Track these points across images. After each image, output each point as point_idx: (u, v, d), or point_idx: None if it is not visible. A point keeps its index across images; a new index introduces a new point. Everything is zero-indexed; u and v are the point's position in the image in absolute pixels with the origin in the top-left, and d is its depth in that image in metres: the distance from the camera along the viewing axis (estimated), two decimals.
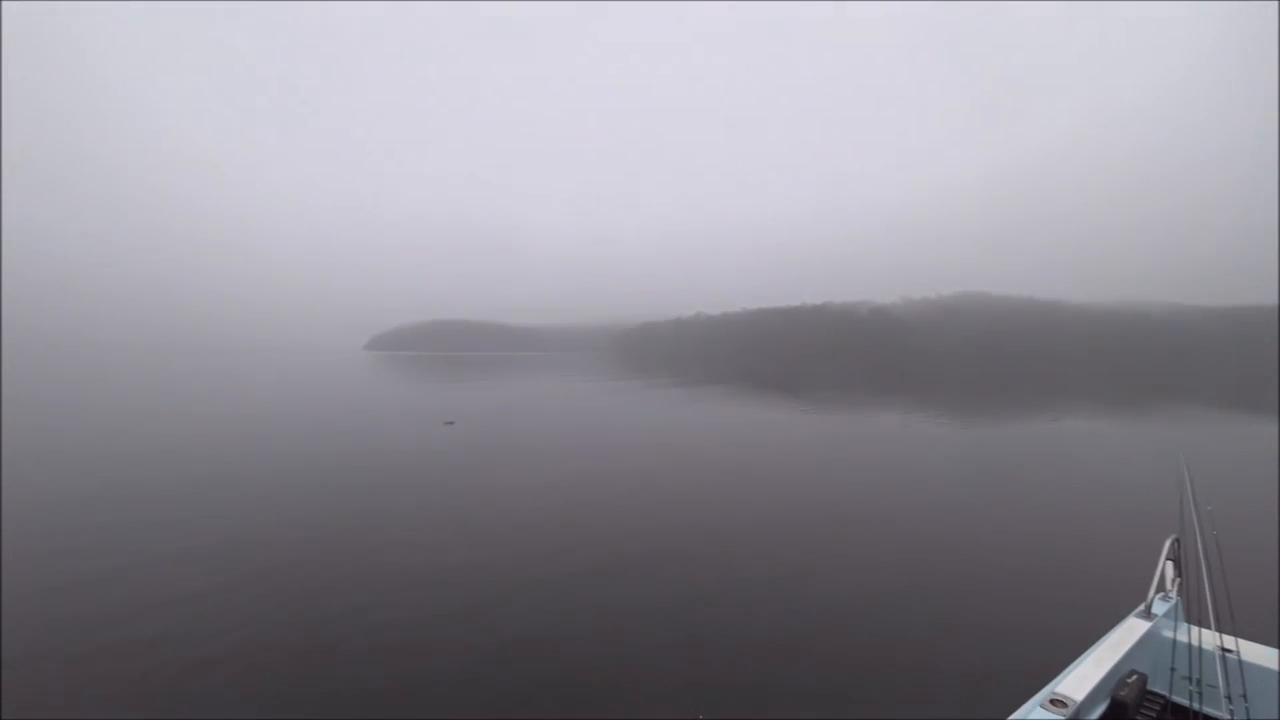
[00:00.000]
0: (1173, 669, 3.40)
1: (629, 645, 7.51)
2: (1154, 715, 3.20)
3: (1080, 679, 2.97)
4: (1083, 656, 3.25)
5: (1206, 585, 3.55)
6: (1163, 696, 3.39)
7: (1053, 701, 2.68)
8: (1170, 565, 4.12)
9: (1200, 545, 3.91)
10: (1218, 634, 3.33)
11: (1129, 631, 3.52)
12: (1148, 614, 3.75)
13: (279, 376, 72.57)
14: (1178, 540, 4.14)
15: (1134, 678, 3.19)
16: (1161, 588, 3.97)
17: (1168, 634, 3.59)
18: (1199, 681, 3.23)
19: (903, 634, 7.87)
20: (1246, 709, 2.91)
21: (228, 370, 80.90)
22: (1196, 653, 3.37)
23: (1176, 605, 3.86)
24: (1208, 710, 3.13)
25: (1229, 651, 3.22)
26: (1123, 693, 3.09)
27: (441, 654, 7.24)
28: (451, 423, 29.00)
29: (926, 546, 11.46)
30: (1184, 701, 3.25)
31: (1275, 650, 3.28)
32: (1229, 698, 2.92)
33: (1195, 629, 3.58)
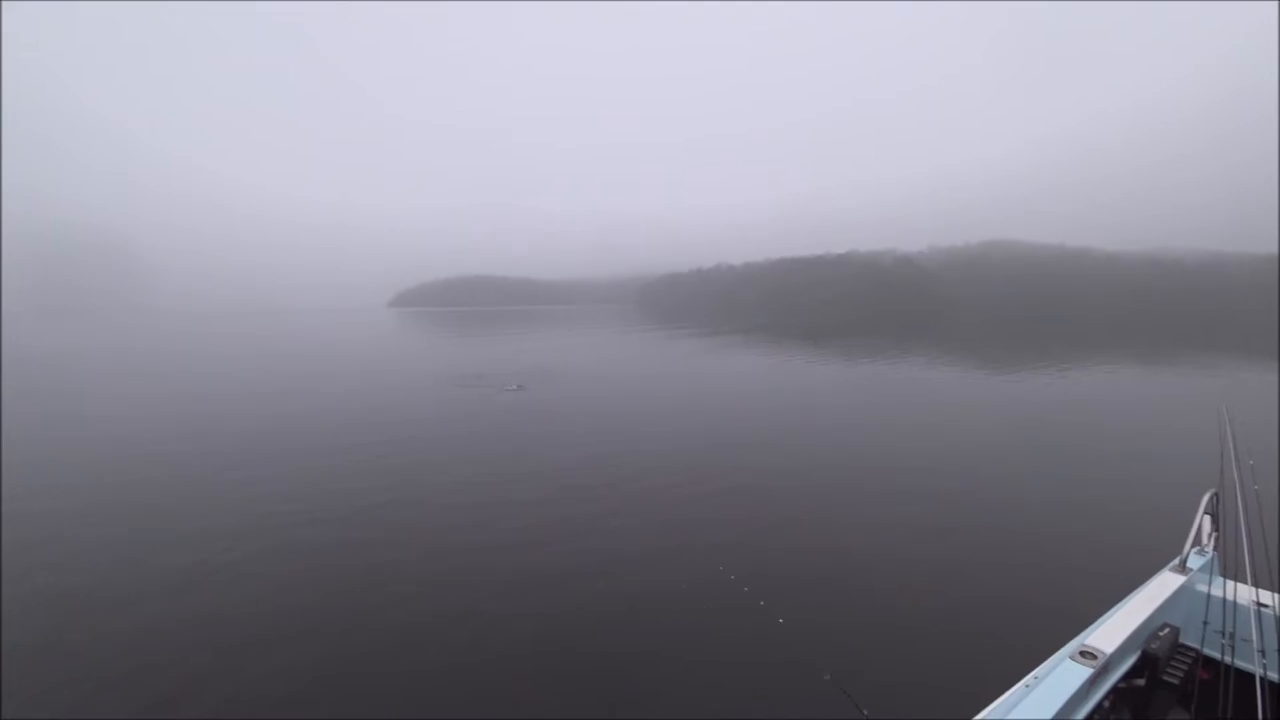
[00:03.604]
0: (1205, 623, 3.37)
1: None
2: (1185, 668, 3.19)
3: (1111, 631, 2.96)
4: (1115, 609, 3.24)
5: (1245, 539, 3.49)
6: (1195, 650, 3.38)
7: (1082, 653, 2.68)
8: (1208, 519, 4.05)
9: (1240, 499, 3.84)
10: (1254, 588, 3.29)
11: (1163, 585, 3.50)
12: (1182, 568, 3.72)
13: (309, 338, 73.45)
14: (1216, 495, 4.06)
15: (1166, 630, 3.18)
16: (1198, 542, 3.92)
17: (1202, 588, 3.56)
18: (1232, 635, 3.21)
19: (935, 582, 7.95)
20: None
21: (251, 333, 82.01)
22: (1231, 607, 3.33)
23: (1212, 559, 3.81)
24: (1240, 664, 3.11)
25: (1264, 606, 3.19)
26: (1154, 645, 3.08)
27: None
28: (520, 388, 26.23)
29: (961, 498, 11.47)
30: (1216, 655, 3.23)
31: None
32: (1262, 651, 2.90)
33: (1231, 583, 3.54)
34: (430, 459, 14.57)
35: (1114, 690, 2.80)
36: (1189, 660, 3.28)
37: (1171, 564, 3.80)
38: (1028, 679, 2.28)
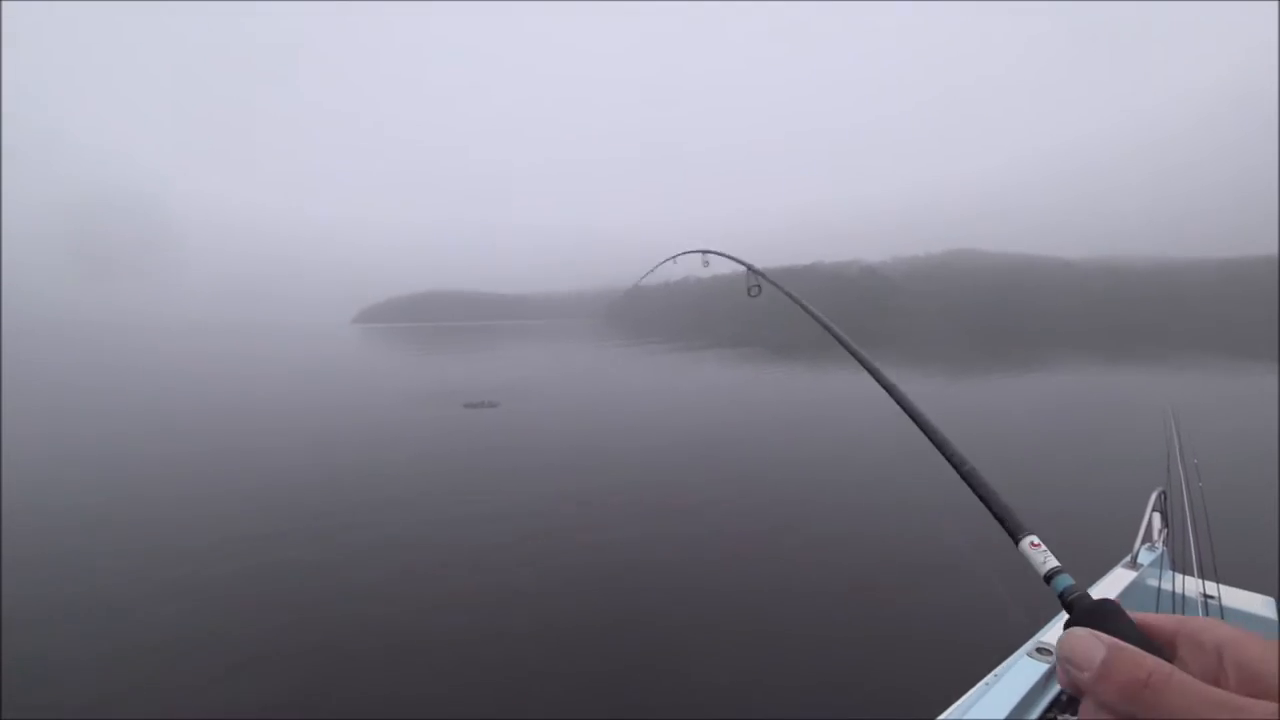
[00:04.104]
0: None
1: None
2: None
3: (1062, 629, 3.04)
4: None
5: (1191, 533, 3.63)
6: None
7: (1039, 650, 2.75)
8: (1158, 517, 4.20)
9: (1186, 495, 4.00)
10: (1200, 580, 3.42)
11: (1115, 581, 3.62)
12: (1134, 564, 3.85)
13: (271, 356, 72.03)
14: (1164, 492, 4.22)
15: None
16: (1149, 539, 4.06)
17: (1152, 582, 3.69)
18: None
19: (896, 589, 8.07)
20: None
21: (209, 352, 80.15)
22: (1179, 599, 3.45)
23: (1162, 554, 3.95)
24: None
25: (1211, 598, 3.31)
26: None
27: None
28: (491, 404, 25.75)
29: (915, 504, 11.66)
30: None
31: (1255, 595, 3.39)
32: None
33: (1180, 576, 3.67)
34: (398, 477, 14.34)
35: None
36: None
37: (1124, 560, 3.93)
38: (988, 678, 2.34)
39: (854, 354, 0.89)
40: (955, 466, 0.74)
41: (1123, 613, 0.51)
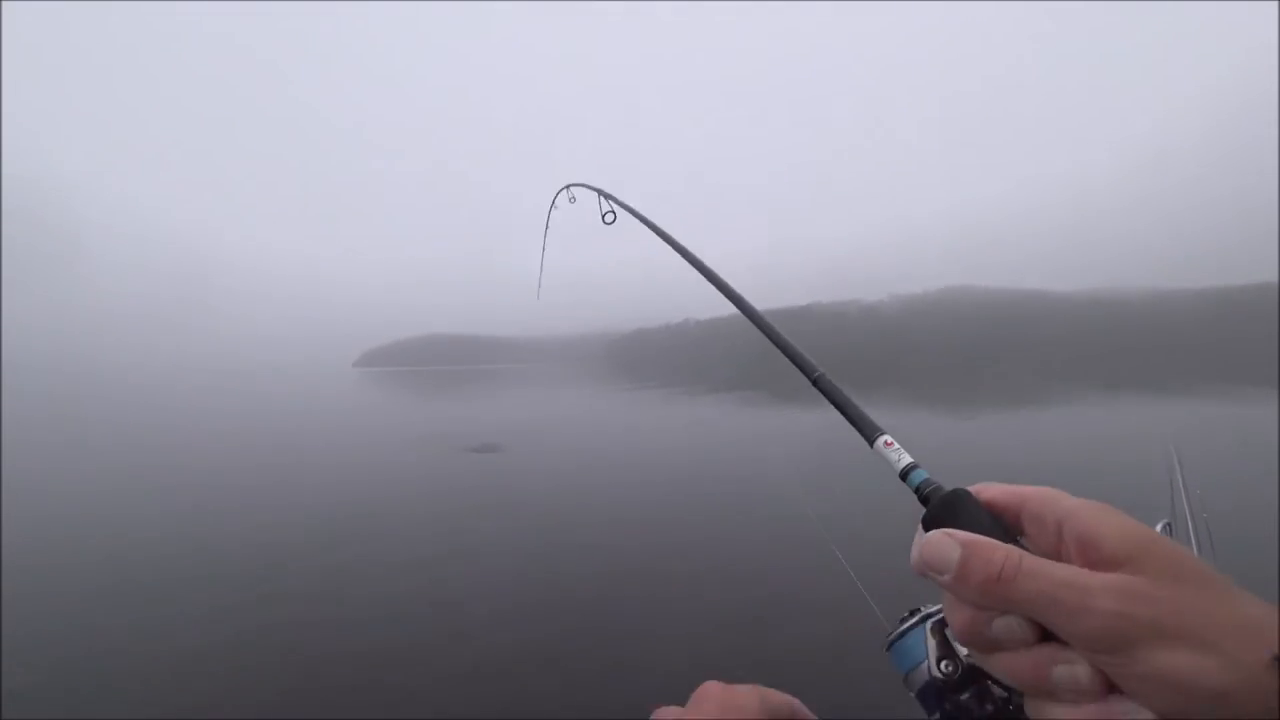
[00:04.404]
0: None
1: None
2: None
3: None
4: None
5: None
6: None
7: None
8: None
9: (1191, 529, 3.88)
10: None
11: None
12: None
13: (276, 403, 71.87)
14: (1169, 525, 4.08)
15: None
16: None
17: None
18: None
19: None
20: None
21: (210, 392, 79.94)
22: None
23: None
24: None
25: None
26: None
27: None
28: (494, 449, 25.53)
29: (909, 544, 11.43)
30: None
31: None
32: None
33: None
34: (397, 521, 14.14)
35: None
36: None
37: None
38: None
39: (705, 273, 0.86)
40: (806, 374, 0.75)
41: (973, 500, 0.52)
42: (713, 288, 0.99)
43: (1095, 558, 0.42)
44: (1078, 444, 22.14)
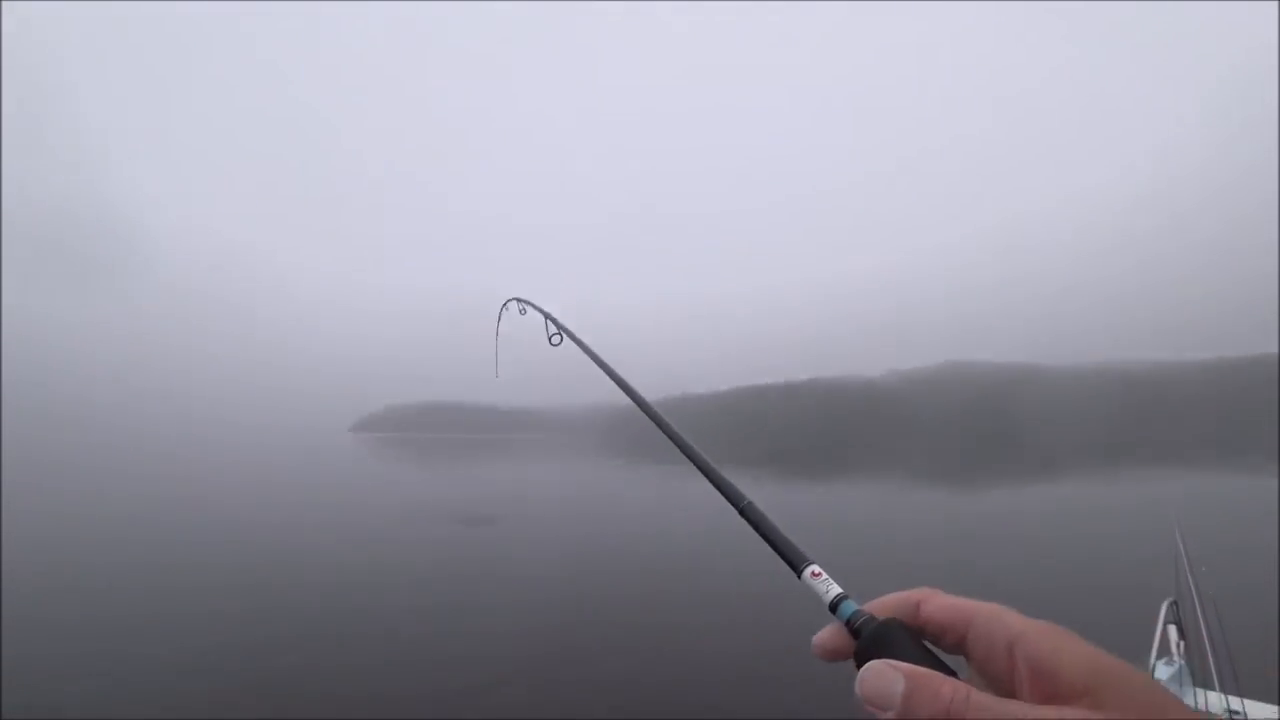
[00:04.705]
0: None
1: None
2: None
3: None
4: None
5: (1208, 647, 3.55)
6: None
7: None
8: (1173, 629, 4.10)
9: (1199, 608, 3.93)
10: (1223, 695, 3.32)
11: None
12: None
13: (272, 471, 70.75)
14: (1175, 603, 4.15)
15: None
16: (1166, 651, 3.95)
17: None
18: None
19: None
20: None
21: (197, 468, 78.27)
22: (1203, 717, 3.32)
23: (1181, 669, 3.83)
24: None
25: (1236, 714, 3.21)
26: None
27: None
28: (489, 521, 25.81)
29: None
30: None
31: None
32: None
33: (1201, 692, 3.55)
34: (390, 594, 13.84)
35: None
36: None
37: None
38: None
39: (638, 403, 0.92)
40: (733, 503, 0.77)
41: (906, 632, 0.50)
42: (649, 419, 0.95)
43: (1050, 689, 0.41)
44: (1082, 519, 21.88)
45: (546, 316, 1.62)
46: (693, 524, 23.68)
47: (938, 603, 0.50)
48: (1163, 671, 3.87)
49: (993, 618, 0.48)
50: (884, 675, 0.46)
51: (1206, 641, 3.59)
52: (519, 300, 1.88)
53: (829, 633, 0.50)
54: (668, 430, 0.89)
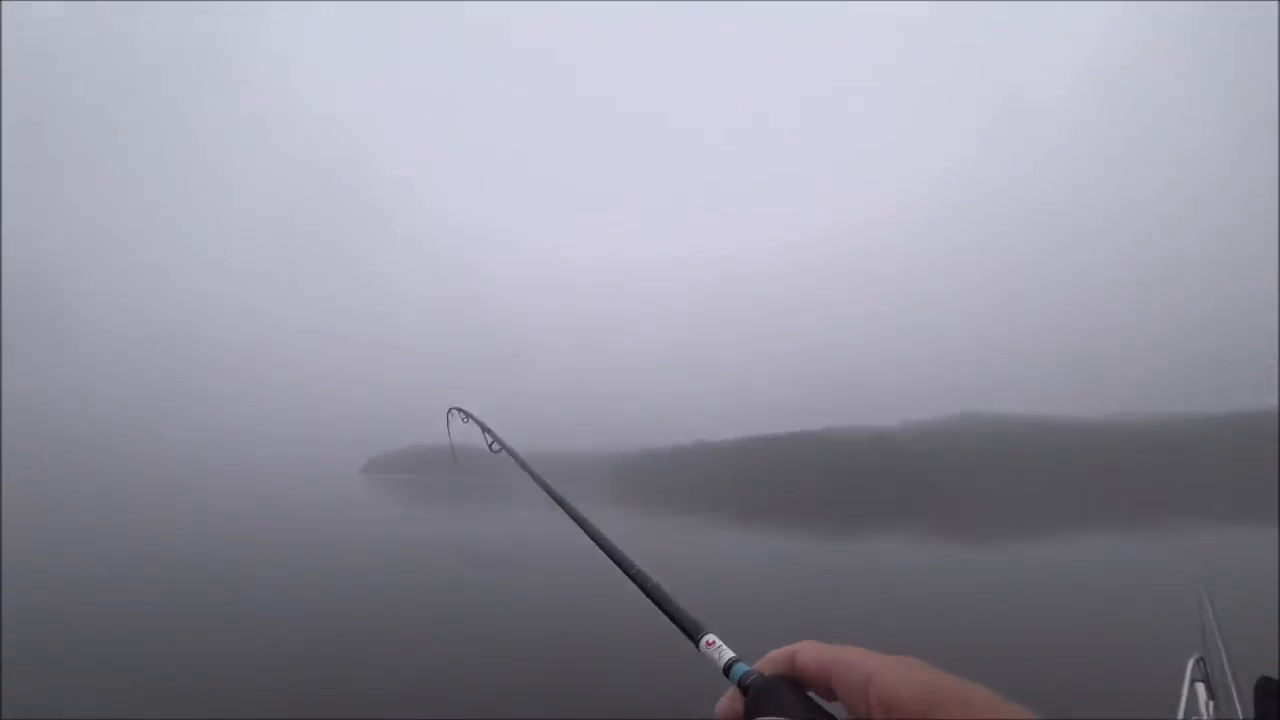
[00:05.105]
0: None
1: None
2: None
3: None
4: None
5: (1238, 706, 3.46)
6: None
7: None
8: (1200, 687, 3.99)
9: (1227, 666, 3.84)
10: None
11: None
12: None
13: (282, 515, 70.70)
14: (1202, 660, 4.05)
15: None
16: (1195, 710, 3.84)
17: None
18: None
19: None
20: None
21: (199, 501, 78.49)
22: None
23: None
24: None
25: None
26: None
27: None
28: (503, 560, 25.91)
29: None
30: None
31: None
32: None
33: None
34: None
35: None
36: None
37: None
38: None
39: (554, 497, 0.92)
40: (625, 570, 0.80)
41: (783, 686, 0.54)
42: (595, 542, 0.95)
43: (898, 716, 0.46)
44: (1104, 579, 21.32)
45: (483, 428, 1.67)
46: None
47: (810, 654, 0.53)
48: None
49: (853, 661, 0.51)
50: None
51: (1236, 700, 3.50)
52: (459, 410, 1.94)
53: (725, 699, 0.54)
54: (601, 542, 0.90)
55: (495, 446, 1.58)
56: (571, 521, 0.97)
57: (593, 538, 0.91)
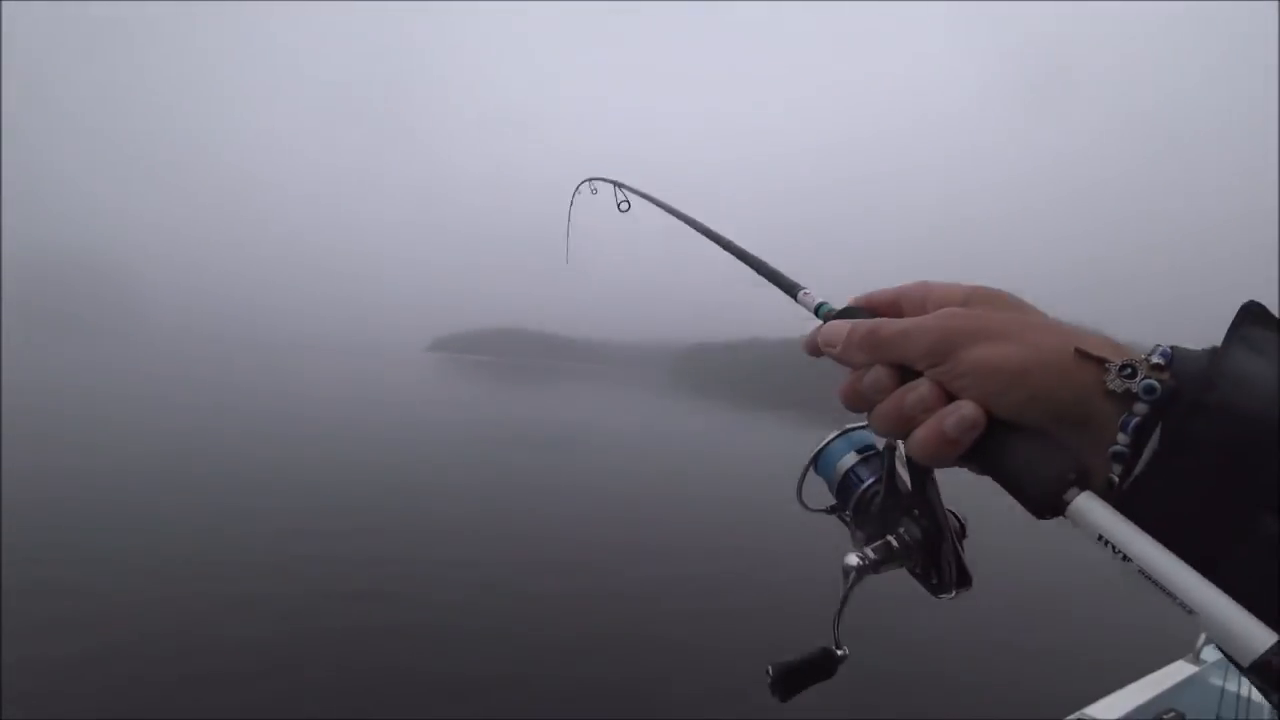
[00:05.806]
0: (1218, 717, 3.32)
1: None
2: None
3: (1111, 706, 2.97)
4: (1121, 691, 3.24)
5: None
6: None
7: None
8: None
9: None
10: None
11: (1172, 673, 3.49)
12: (1196, 659, 3.69)
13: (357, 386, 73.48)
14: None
15: (1170, 714, 3.17)
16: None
17: (1216, 681, 3.51)
18: None
19: (955, 653, 7.72)
20: None
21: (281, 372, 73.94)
22: (1245, 703, 3.28)
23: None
24: None
25: None
26: None
27: None
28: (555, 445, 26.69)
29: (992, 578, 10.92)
30: None
31: None
32: None
33: (1245, 680, 3.49)
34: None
35: None
36: None
37: (1186, 656, 3.77)
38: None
39: (707, 233, 0.88)
40: (724, 247, 0.83)
41: (862, 309, 0.60)
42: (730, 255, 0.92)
43: (948, 314, 0.49)
44: (1107, 569, 20.19)
45: (615, 185, 1.68)
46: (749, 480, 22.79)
47: (876, 293, 0.62)
48: (1209, 653, 3.81)
49: (917, 287, 0.58)
50: (836, 326, 0.56)
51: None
52: (590, 180, 1.90)
53: (810, 332, 0.61)
54: (739, 252, 0.94)
55: (625, 205, 1.62)
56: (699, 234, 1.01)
57: (714, 239, 0.97)
